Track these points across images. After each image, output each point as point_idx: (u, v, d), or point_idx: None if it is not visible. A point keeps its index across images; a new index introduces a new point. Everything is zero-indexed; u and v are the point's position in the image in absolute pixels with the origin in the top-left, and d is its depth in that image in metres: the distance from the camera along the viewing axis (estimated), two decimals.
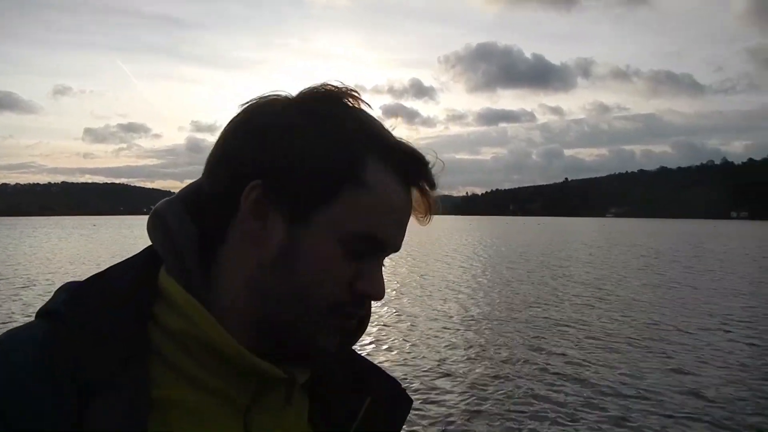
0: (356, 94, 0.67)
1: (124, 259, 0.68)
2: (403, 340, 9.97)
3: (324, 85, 0.67)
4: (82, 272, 19.47)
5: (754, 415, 6.37)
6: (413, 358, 8.81)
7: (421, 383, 7.48)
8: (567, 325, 11.14)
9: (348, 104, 0.66)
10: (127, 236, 52.54)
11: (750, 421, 6.21)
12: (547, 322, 11.43)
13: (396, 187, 0.65)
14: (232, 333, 0.62)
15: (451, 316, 12.11)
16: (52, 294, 0.64)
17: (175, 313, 0.63)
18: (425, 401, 6.78)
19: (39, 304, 0.64)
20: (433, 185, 0.69)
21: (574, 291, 16.08)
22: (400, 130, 0.69)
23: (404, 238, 0.69)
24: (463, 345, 9.64)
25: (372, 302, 0.70)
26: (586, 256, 29.83)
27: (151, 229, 0.68)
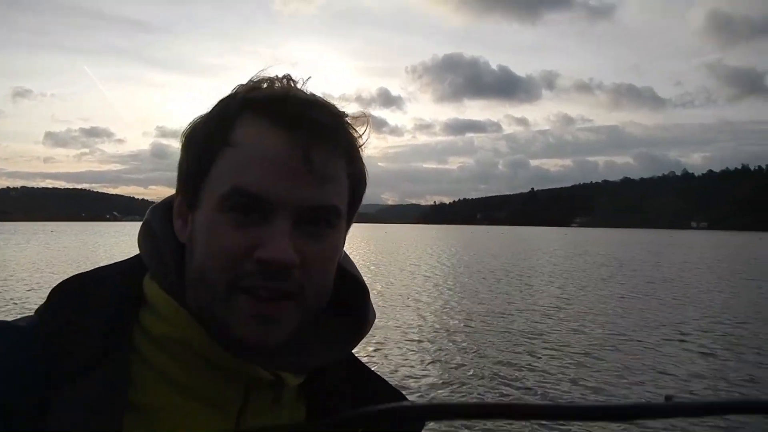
0: (275, 77, 0.65)
1: (110, 263, 0.71)
2: (358, 348, 9.76)
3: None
4: (37, 280, 18.82)
5: (713, 427, 6.34)
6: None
7: None
8: (526, 335, 11.17)
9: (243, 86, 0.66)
10: (87, 242, 51.12)
11: (706, 430, 6.19)
12: (507, 333, 11.43)
13: (270, 136, 0.61)
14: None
15: (410, 326, 12.03)
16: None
17: (157, 318, 0.64)
18: None
19: None
20: (323, 125, 0.62)
21: (534, 301, 16.15)
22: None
23: (319, 191, 0.61)
24: (421, 354, 9.56)
25: (307, 279, 0.62)
26: (549, 266, 30.15)
27: (141, 236, 0.70)
